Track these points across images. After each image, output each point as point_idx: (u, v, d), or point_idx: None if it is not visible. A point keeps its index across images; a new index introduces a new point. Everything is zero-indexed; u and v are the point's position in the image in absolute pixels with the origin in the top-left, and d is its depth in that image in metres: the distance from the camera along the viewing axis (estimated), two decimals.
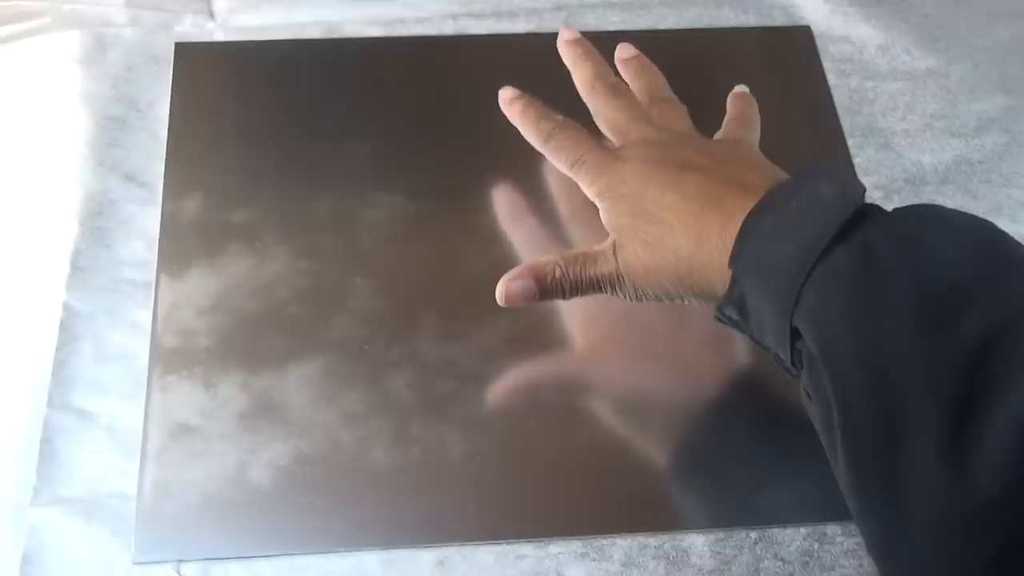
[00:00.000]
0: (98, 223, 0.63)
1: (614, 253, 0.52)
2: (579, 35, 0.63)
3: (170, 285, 0.61)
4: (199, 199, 0.64)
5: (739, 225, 0.47)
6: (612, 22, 0.73)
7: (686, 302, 0.52)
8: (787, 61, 0.72)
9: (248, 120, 0.68)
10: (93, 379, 0.58)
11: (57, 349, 0.58)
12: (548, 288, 0.53)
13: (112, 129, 0.66)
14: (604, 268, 0.52)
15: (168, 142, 0.66)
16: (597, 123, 0.59)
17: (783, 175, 0.51)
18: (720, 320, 0.51)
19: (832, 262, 0.43)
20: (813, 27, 0.74)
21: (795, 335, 0.45)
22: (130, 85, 0.68)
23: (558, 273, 0.53)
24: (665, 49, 0.72)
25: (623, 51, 0.64)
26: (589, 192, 0.55)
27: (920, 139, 0.69)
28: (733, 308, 0.48)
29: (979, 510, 0.39)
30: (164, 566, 0.53)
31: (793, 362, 0.47)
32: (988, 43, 0.73)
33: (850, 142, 0.68)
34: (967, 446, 0.39)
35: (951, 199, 0.66)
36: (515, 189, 0.65)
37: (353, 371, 0.58)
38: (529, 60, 0.71)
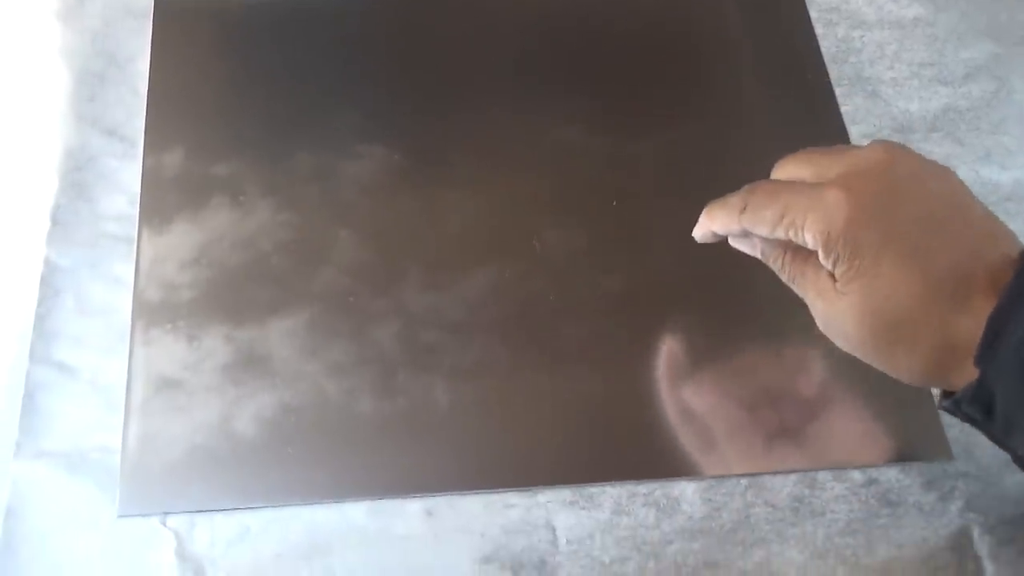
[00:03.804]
0: (78, 178, 0.62)
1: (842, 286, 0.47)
2: (703, 227, 0.53)
3: (152, 239, 0.60)
4: (180, 153, 0.63)
5: (984, 320, 0.43)
6: None
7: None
8: (774, 11, 0.72)
9: (228, 73, 0.67)
10: (75, 333, 0.57)
11: (38, 304, 0.58)
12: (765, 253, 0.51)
13: (91, 84, 0.65)
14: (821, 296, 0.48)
15: (148, 96, 0.65)
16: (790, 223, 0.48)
17: (1012, 242, 0.47)
18: (952, 414, 0.46)
19: None
20: None
21: None
22: (109, 40, 0.67)
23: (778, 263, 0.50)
24: (650, 2, 0.72)
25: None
26: (814, 244, 0.47)
27: (908, 87, 0.68)
28: (977, 407, 0.44)
29: None
30: (150, 519, 0.53)
31: None
32: None
33: (837, 91, 0.68)
34: None
35: (939, 147, 0.65)
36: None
37: (338, 322, 0.58)
38: (511, 10, 0.71)
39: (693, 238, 0.53)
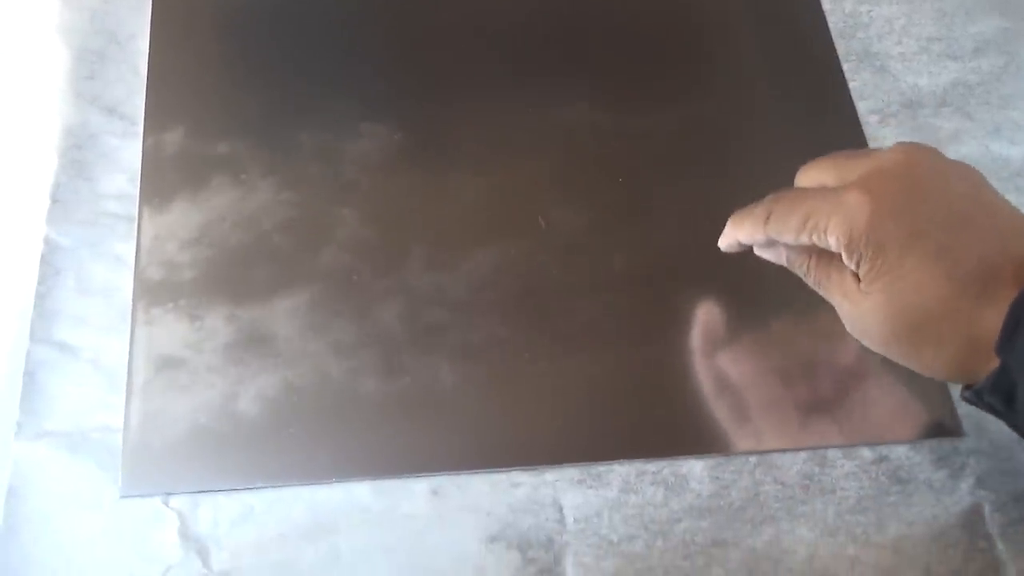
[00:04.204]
0: (78, 156, 0.61)
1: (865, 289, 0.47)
2: (728, 237, 0.53)
3: (153, 218, 0.59)
4: (181, 131, 0.62)
5: (1005, 310, 0.43)
6: None
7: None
8: None
9: (230, 51, 0.66)
10: (76, 313, 0.57)
11: (39, 283, 0.57)
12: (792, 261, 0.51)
13: (91, 62, 0.65)
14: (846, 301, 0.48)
15: (149, 74, 0.64)
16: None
17: None
18: (974, 404, 0.46)
19: None
20: None
21: None
22: (108, 17, 0.67)
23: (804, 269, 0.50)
24: None
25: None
26: (837, 245, 0.47)
27: (916, 62, 0.67)
28: (998, 398, 0.44)
29: None
30: (152, 499, 0.52)
31: None
32: None
33: (845, 66, 0.67)
34: None
35: (949, 122, 0.65)
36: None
37: (341, 302, 0.57)
38: None
39: (718, 247, 0.53)
